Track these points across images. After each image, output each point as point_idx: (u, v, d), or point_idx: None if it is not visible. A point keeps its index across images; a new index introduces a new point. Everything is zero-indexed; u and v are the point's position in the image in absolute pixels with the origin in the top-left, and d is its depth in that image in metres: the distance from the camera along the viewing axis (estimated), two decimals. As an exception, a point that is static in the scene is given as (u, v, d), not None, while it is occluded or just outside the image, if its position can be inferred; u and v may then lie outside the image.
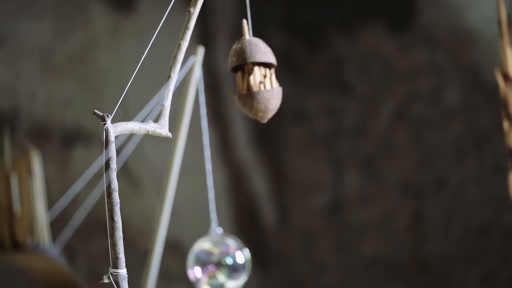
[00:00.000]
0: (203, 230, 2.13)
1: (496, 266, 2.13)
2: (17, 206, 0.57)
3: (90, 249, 2.01)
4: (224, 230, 2.16)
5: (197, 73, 0.63)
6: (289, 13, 2.22)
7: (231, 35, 2.17)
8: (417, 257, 2.16)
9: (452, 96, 2.15)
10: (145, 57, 2.11)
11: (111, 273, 0.76)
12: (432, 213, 2.15)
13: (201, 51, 0.63)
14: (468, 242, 2.13)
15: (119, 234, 0.81)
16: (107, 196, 0.76)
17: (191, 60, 0.64)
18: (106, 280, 0.74)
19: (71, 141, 2.06)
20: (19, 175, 0.56)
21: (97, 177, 0.87)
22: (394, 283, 2.17)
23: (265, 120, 0.92)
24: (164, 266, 2.06)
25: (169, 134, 0.84)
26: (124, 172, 2.05)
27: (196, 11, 0.82)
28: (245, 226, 2.19)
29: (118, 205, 0.78)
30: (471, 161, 2.14)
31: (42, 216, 0.56)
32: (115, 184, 0.77)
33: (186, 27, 0.83)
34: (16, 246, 0.56)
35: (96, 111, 0.78)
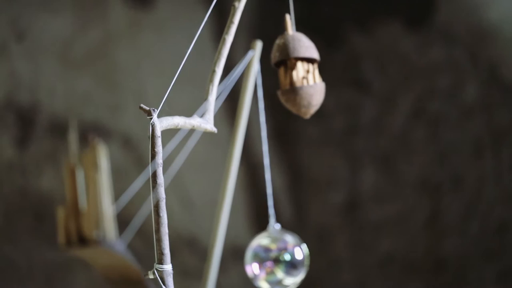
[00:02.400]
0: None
1: (513, 264, 2.12)
2: (83, 200, 0.57)
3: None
4: (240, 226, 2.16)
5: (255, 67, 0.62)
6: (306, 10, 2.21)
7: (248, 30, 2.16)
8: (434, 255, 2.15)
9: (470, 93, 2.14)
10: (162, 51, 2.11)
11: (156, 269, 0.75)
12: (449, 210, 2.15)
13: (259, 45, 0.62)
14: (485, 240, 2.12)
15: (165, 229, 0.80)
16: (153, 191, 0.76)
17: (249, 54, 0.63)
18: (151, 276, 0.73)
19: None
20: (85, 169, 0.55)
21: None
22: (410, 281, 2.16)
23: (308, 116, 0.91)
24: (181, 263, 2.05)
25: (214, 129, 0.83)
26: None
27: (241, 6, 0.82)
28: (262, 222, 2.18)
29: (164, 200, 0.77)
30: (488, 158, 2.13)
31: (108, 210, 0.55)
32: (160, 179, 0.76)
33: (231, 21, 0.82)
34: (83, 240, 0.55)
35: (142, 105, 0.77)
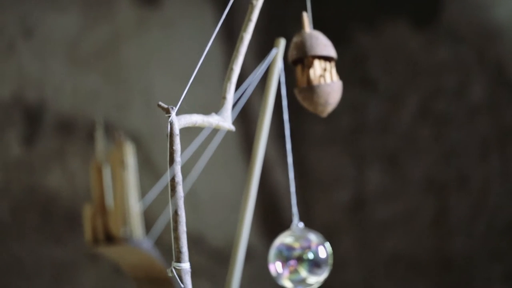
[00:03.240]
0: (226, 224, 2.12)
1: (520, 264, 2.12)
2: (110, 198, 0.56)
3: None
4: (251, 231, 2.15)
5: (279, 66, 0.62)
6: (313, 8, 2.21)
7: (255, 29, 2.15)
8: (440, 254, 2.15)
9: (477, 93, 2.14)
10: (171, 49, 2.10)
11: (174, 267, 0.74)
12: (455, 210, 2.14)
13: (282, 43, 0.62)
14: (492, 239, 2.12)
15: (183, 227, 0.80)
16: (171, 190, 0.75)
17: (273, 52, 0.62)
18: (169, 274, 0.73)
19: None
20: (113, 167, 0.55)
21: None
22: (417, 280, 2.16)
23: (325, 114, 0.91)
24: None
25: (232, 128, 0.83)
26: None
27: (259, 4, 0.81)
28: (267, 221, 2.18)
29: (182, 199, 0.77)
30: (495, 158, 2.13)
31: (135, 208, 0.55)
32: (179, 178, 0.76)
33: (249, 19, 0.82)
34: (109, 238, 0.55)
35: (160, 103, 0.77)
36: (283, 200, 2.19)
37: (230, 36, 2.13)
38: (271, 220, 2.18)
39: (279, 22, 2.04)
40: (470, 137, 2.15)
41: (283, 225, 2.20)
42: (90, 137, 2.06)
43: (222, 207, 2.13)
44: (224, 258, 2.13)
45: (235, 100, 0.70)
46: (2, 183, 2.03)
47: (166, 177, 0.67)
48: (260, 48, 1.70)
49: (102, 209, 0.55)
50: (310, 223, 2.23)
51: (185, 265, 0.78)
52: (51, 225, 2.04)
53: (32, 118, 2.04)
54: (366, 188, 2.19)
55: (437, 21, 2.15)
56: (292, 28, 2.17)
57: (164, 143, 2.09)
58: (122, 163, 0.54)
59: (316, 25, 2.38)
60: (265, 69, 0.63)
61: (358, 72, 2.20)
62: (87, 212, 0.55)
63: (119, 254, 0.57)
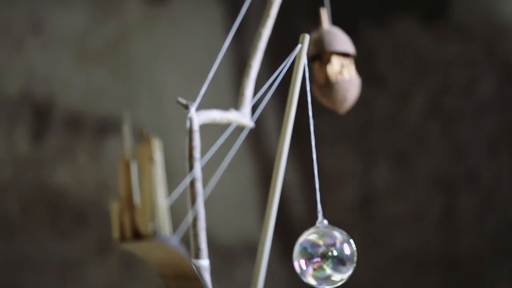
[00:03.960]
0: (232, 222, 2.12)
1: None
2: (137, 194, 0.56)
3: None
4: (253, 222, 2.15)
5: (303, 62, 0.61)
6: (322, 4, 2.20)
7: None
8: (449, 252, 2.15)
9: (486, 89, 2.14)
10: (179, 45, 2.09)
11: (193, 264, 0.74)
12: (464, 207, 2.14)
13: (307, 38, 0.61)
14: (501, 237, 2.12)
15: (202, 224, 0.80)
16: (190, 186, 0.74)
17: (297, 48, 0.62)
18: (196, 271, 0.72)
19: (104, 130, 2.05)
20: (140, 163, 0.54)
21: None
22: (424, 278, 2.15)
23: (343, 111, 0.90)
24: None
25: (251, 124, 0.82)
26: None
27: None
28: (276, 220, 2.17)
29: (201, 195, 0.76)
30: (504, 155, 2.13)
31: (163, 205, 0.54)
32: (198, 174, 0.75)
33: (267, 15, 0.81)
34: (137, 235, 0.54)
35: (179, 99, 0.76)
36: (290, 198, 2.18)
37: (238, 31, 2.12)
38: (277, 217, 2.18)
39: (287, 19, 2.03)
40: (479, 134, 2.14)
41: (290, 222, 2.20)
42: (98, 133, 2.06)
43: (228, 205, 2.13)
44: (228, 255, 2.13)
45: (257, 98, 0.69)
46: (10, 179, 2.02)
47: (192, 174, 0.67)
48: (268, 45, 1.69)
49: (129, 205, 0.54)
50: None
51: (204, 262, 0.78)
52: (59, 221, 2.04)
53: (40, 114, 2.04)
54: (374, 185, 2.18)
55: (446, 17, 2.15)
56: (302, 23, 2.16)
57: (173, 139, 2.09)
58: (150, 159, 0.53)
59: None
60: (284, 66, 0.63)
61: (366, 68, 2.19)
62: (115, 208, 0.54)
63: (146, 250, 0.56)
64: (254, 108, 0.76)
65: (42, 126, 2.03)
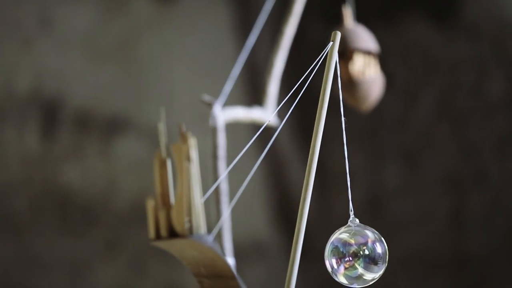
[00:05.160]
0: (243, 220, 2.11)
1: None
2: (173, 193, 0.55)
3: None
4: (263, 221, 2.15)
5: (334, 59, 0.61)
6: (330, 3, 2.20)
7: (268, 22, 2.15)
8: (457, 252, 2.15)
9: (495, 89, 2.13)
10: (189, 42, 2.08)
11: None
12: (473, 207, 2.14)
13: (338, 36, 0.61)
14: (510, 237, 2.12)
15: (227, 223, 0.79)
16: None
17: (328, 46, 0.61)
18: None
19: (114, 128, 2.05)
20: (177, 161, 0.53)
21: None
22: (433, 278, 2.15)
23: (366, 109, 0.90)
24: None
25: (275, 122, 0.82)
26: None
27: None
28: (284, 218, 2.17)
29: (226, 194, 0.76)
30: (513, 155, 2.13)
31: (198, 203, 0.54)
32: (222, 172, 0.75)
33: (291, 13, 0.81)
34: (173, 233, 0.54)
35: (204, 96, 0.76)
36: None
37: (244, 28, 2.13)
38: (287, 216, 2.18)
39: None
40: (488, 134, 2.14)
41: (294, 223, 2.20)
42: (108, 131, 2.05)
43: (236, 203, 2.12)
44: (237, 253, 2.13)
45: (286, 98, 0.69)
46: (20, 177, 2.02)
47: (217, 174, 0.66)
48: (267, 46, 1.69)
49: (164, 203, 0.54)
50: (326, 220, 2.22)
51: (230, 260, 0.78)
52: (69, 220, 2.04)
53: (50, 112, 2.03)
54: (383, 185, 2.18)
55: (456, 17, 2.14)
56: (311, 22, 2.16)
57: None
58: (187, 157, 0.53)
59: (334, 20, 2.37)
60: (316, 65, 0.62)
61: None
62: (150, 206, 0.54)
63: (181, 249, 0.56)
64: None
65: (52, 124, 2.03)
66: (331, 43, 0.61)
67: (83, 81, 2.04)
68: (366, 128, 2.18)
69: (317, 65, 0.62)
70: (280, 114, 2.37)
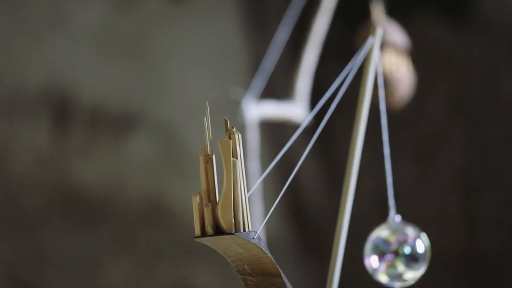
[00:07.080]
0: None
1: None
2: (218, 190, 0.54)
3: None
4: (275, 220, 2.14)
5: (376, 55, 0.59)
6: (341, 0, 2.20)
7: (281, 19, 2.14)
8: (469, 250, 2.14)
9: (509, 87, 2.13)
10: (199, 41, 2.07)
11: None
12: (486, 206, 2.13)
13: (379, 31, 0.60)
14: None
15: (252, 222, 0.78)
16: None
17: (369, 41, 0.60)
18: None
19: (125, 124, 2.05)
20: (223, 157, 0.53)
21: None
22: (446, 276, 2.15)
23: (397, 106, 0.89)
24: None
25: (304, 121, 0.80)
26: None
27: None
28: (296, 216, 2.17)
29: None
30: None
31: (244, 200, 0.53)
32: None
33: (318, 13, 0.80)
34: (218, 230, 0.53)
35: (233, 92, 0.75)
36: (311, 195, 2.18)
37: (254, 25, 2.12)
38: (299, 215, 2.17)
39: (309, 12, 2.02)
40: (500, 132, 2.13)
41: (311, 220, 2.19)
42: (119, 128, 2.05)
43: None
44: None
45: (324, 96, 0.68)
46: (31, 173, 2.02)
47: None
48: (293, 43, 1.68)
49: (210, 200, 0.53)
50: (337, 218, 2.21)
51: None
52: (79, 217, 2.03)
53: (61, 108, 2.03)
54: (394, 183, 2.17)
55: (469, 15, 2.14)
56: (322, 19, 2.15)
57: (194, 133, 2.06)
58: (234, 153, 0.52)
59: (344, 17, 2.36)
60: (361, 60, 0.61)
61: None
62: (196, 203, 0.53)
63: (226, 245, 0.55)
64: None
65: (63, 121, 2.03)
66: (370, 37, 0.60)
67: (95, 78, 2.04)
68: (376, 126, 2.18)
69: (357, 62, 0.61)
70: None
